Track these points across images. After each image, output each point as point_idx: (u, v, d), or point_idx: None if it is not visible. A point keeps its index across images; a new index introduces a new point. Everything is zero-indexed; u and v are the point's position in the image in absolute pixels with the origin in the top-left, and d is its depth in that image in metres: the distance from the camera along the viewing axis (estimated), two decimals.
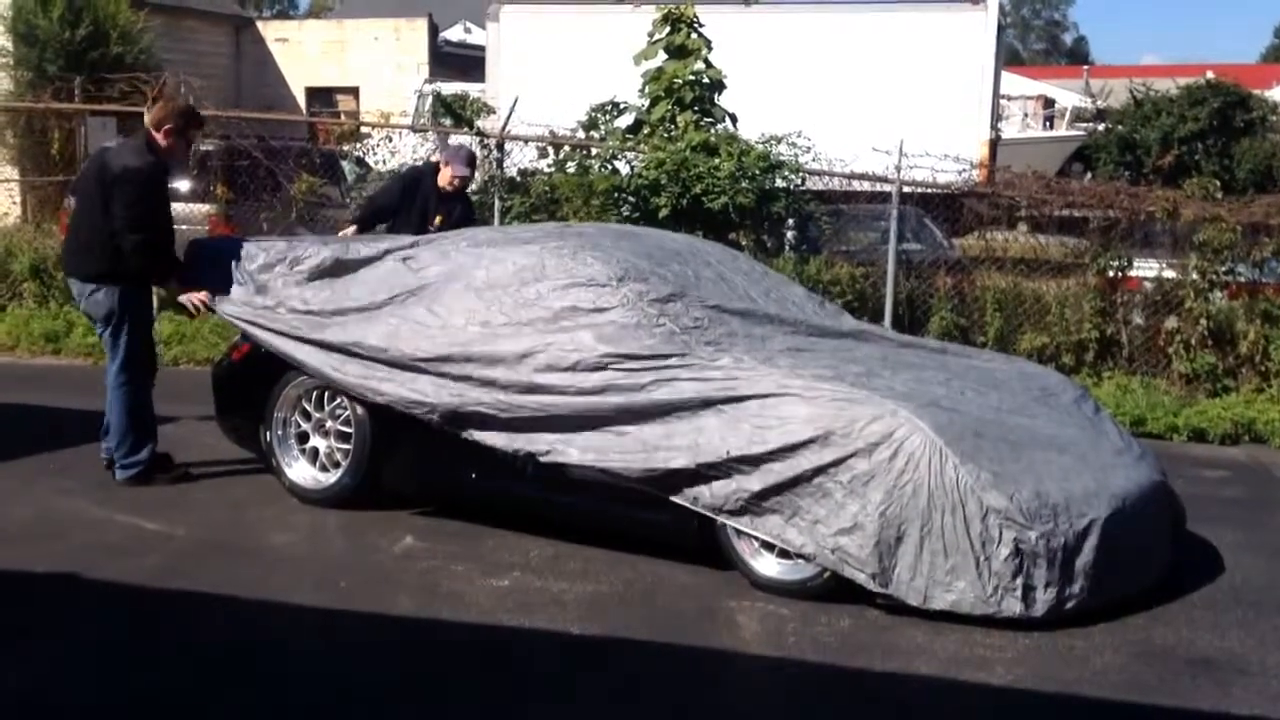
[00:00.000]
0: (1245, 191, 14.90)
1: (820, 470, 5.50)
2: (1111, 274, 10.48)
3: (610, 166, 11.48)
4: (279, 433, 6.99)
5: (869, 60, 17.54)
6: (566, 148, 11.83)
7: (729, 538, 5.80)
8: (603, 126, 12.06)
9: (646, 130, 11.78)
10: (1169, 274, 10.39)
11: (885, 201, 10.96)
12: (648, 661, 5.11)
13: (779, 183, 11.03)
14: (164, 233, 7.05)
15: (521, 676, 4.95)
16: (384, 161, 12.49)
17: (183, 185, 12.44)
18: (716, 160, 10.84)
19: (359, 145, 13.65)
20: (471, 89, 17.11)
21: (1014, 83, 27.94)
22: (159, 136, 6.98)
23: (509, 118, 11.75)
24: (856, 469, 5.45)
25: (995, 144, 18.33)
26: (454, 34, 28.89)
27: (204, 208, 12.21)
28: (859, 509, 5.43)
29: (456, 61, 26.60)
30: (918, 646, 5.22)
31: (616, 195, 10.96)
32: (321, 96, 26.74)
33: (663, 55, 12.10)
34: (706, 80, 11.96)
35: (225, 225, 11.82)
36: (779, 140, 11.24)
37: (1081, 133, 26.02)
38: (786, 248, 11.34)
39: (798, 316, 6.80)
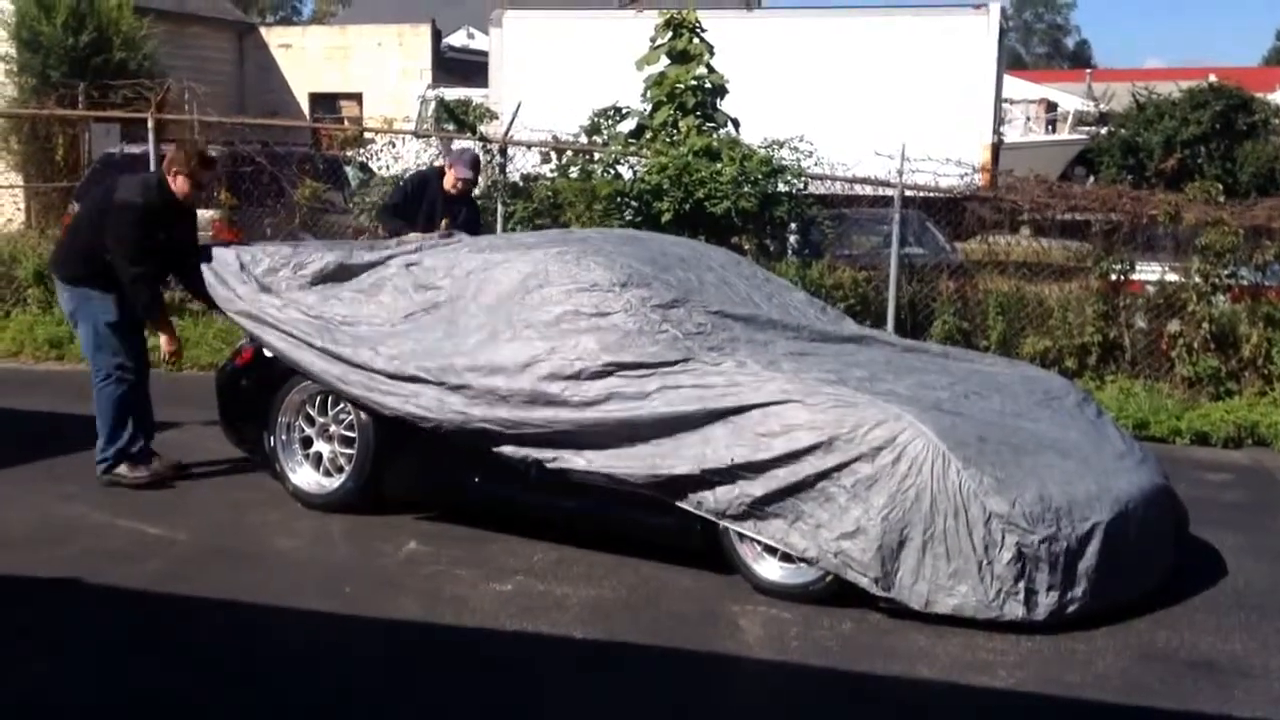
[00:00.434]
0: (1248, 195, 14.89)
1: (823, 475, 5.51)
2: (1114, 278, 10.47)
3: (613, 171, 11.49)
4: (283, 438, 7.00)
5: (871, 65, 17.56)
6: (569, 153, 11.85)
7: (732, 542, 5.80)
8: (605, 131, 12.08)
9: (649, 135, 11.79)
10: (1171, 277, 10.38)
11: (888, 206, 10.97)
12: (651, 666, 5.12)
13: (781, 187, 11.04)
14: (153, 267, 7.21)
15: (525, 681, 4.96)
16: (387, 167, 12.50)
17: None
18: (719, 165, 10.85)
19: (362, 151, 13.66)
20: (474, 94, 17.10)
21: (1016, 87, 27.93)
22: (171, 178, 7.08)
23: (512, 123, 11.77)
24: (860, 473, 5.46)
25: (998, 148, 18.33)
26: (457, 39, 28.97)
27: (208, 213, 12.20)
28: (862, 513, 5.44)
29: (460, 67, 26.65)
30: (920, 650, 5.22)
31: (619, 200, 10.98)
32: (325, 102, 26.79)
33: (665, 60, 12.12)
34: (709, 85, 11.97)
35: (229, 231, 11.84)
36: (781, 145, 11.24)
37: (1084, 136, 26.05)
38: (789, 252, 11.34)
39: (800, 321, 6.81)
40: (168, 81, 15.02)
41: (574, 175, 11.52)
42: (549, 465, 6.03)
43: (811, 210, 11.37)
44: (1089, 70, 42.50)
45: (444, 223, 8.63)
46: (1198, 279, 10.14)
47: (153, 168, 11.77)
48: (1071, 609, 5.39)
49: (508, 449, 6.13)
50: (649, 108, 12.02)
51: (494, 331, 6.36)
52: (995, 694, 4.87)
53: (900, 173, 10.64)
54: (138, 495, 7.12)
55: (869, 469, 5.44)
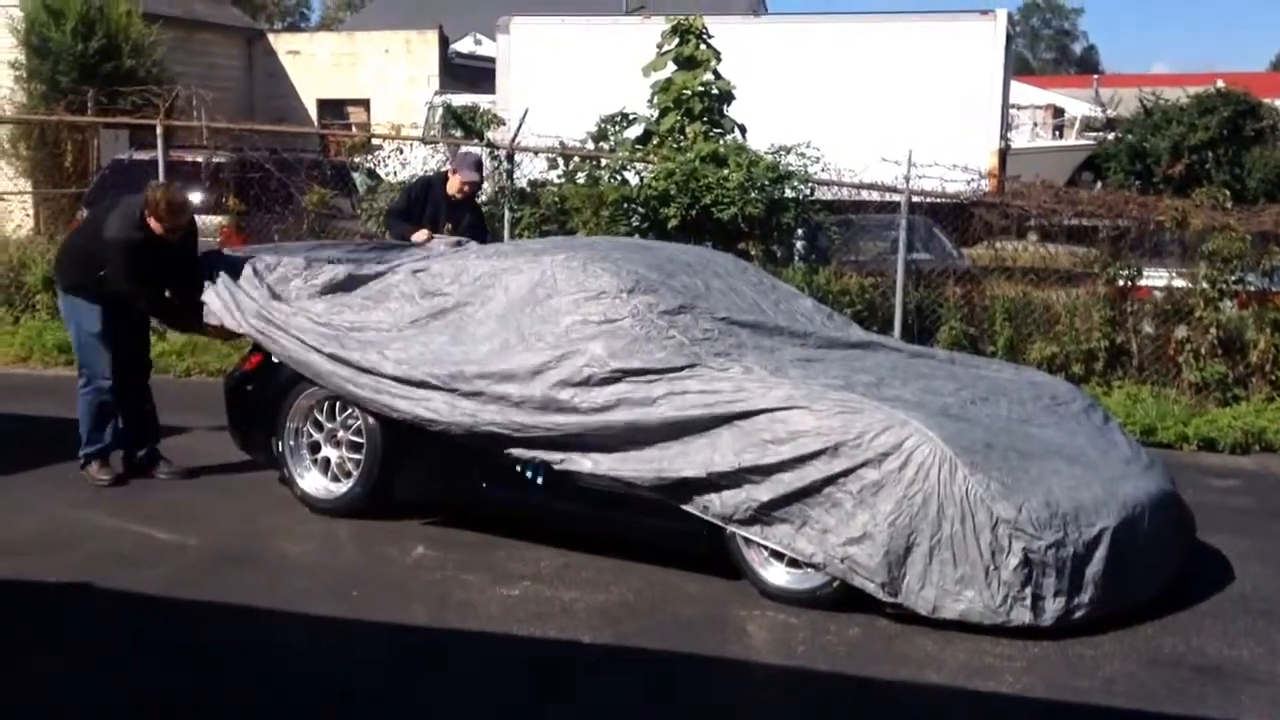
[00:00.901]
0: (1256, 200, 14.87)
1: (830, 480, 5.52)
2: (1121, 283, 10.47)
3: (620, 177, 11.50)
4: (291, 443, 7.02)
5: (878, 71, 17.56)
6: (576, 159, 11.86)
7: (738, 546, 5.81)
8: (612, 137, 12.09)
9: (656, 141, 11.81)
10: (1179, 283, 10.37)
11: (894, 211, 10.97)
12: (658, 670, 5.13)
13: (788, 193, 11.04)
14: (158, 288, 7.35)
15: (533, 686, 4.97)
16: (395, 173, 12.52)
17: (195, 197, 12.52)
18: (726, 171, 10.87)
19: (370, 157, 13.68)
20: (482, 100, 17.14)
21: (1023, 92, 27.93)
22: (149, 220, 7.11)
23: (519, 129, 11.79)
24: (866, 479, 5.47)
25: (1004, 153, 18.31)
26: (464, 46, 29.01)
27: (216, 219, 12.24)
28: (869, 519, 5.44)
29: (467, 73, 26.69)
30: (927, 655, 5.23)
31: (626, 206, 10.99)
32: (333, 108, 26.85)
33: (672, 66, 12.14)
34: (715, 91, 11.99)
35: (237, 236, 11.87)
36: (788, 151, 11.25)
37: (1091, 142, 26.03)
38: (796, 258, 11.34)
39: (807, 327, 6.81)
40: (176, 88, 15.07)
41: (581, 181, 11.54)
42: (557, 466, 6.06)
43: (818, 216, 11.37)
44: (1096, 76, 42.48)
45: (448, 228, 8.65)
46: (1205, 284, 10.14)
47: (162, 175, 11.85)
48: (1078, 614, 5.39)
49: (516, 451, 6.15)
50: (656, 114, 12.03)
51: (504, 340, 6.38)
52: (1002, 699, 4.88)
53: (907, 178, 10.64)
54: (147, 500, 7.15)
55: (876, 474, 5.45)
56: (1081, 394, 6.93)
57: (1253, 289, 10.23)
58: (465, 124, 12.97)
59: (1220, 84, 23.70)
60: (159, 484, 7.48)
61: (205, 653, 5.19)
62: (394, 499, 6.82)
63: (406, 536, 6.58)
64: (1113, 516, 5.57)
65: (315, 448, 6.99)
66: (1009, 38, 18.36)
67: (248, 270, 7.15)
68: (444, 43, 27.49)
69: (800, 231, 11.39)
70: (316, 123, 25.71)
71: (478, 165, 9.09)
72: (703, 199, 10.76)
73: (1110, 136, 24.64)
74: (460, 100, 16.19)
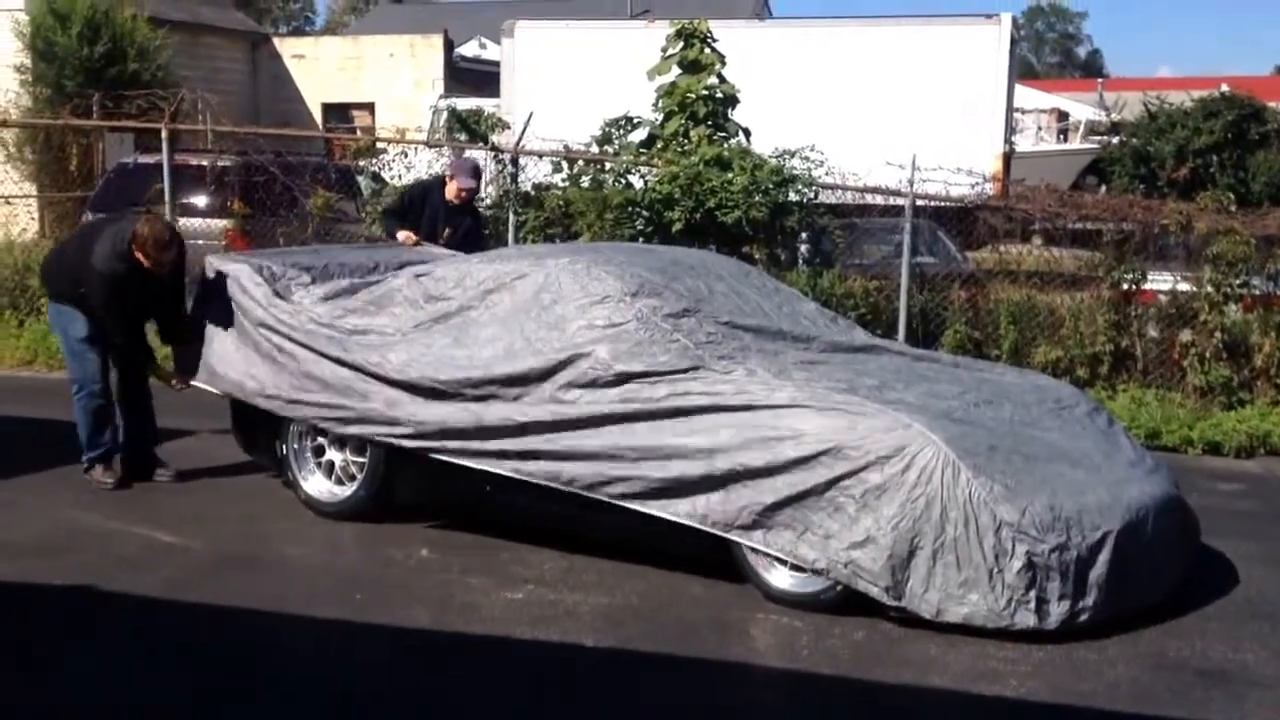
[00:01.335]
0: (1261, 204, 14.82)
1: (833, 483, 5.51)
2: (1126, 287, 10.46)
3: (624, 181, 11.51)
4: (295, 446, 7.02)
5: (882, 74, 17.56)
6: (581, 162, 11.87)
7: (742, 550, 5.80)
8: (616, 141, 12.10)
9: (660, 145, 11.82)
10: (1183, 287, 10.36)
11: (899, 215, 10.96)
12: (661, 674, 5.13)
13: (792, 196, 11.05)
14: (136, 325, 7.41)
15: (536, 689, 4.97)
16: (399, 177, 12.54)
17: (199, 201, 12.54)
18: (730, 174, 10.87)
19: (375, 161, 13.70)
20: (486, 104, 17.16)
21: (1028, 96, 27.90)
22: (136, 254, 7.10)
23: (523, 133, 11.80)
24: (869, 482, 5.46)
25: (1009, 157, 18.31)
26: (469, 50, 29.02)
27: (221, 223, 12.27)
28: (872, 523, 5.43)
29: (471, 77, 26.72)
30: (931, 659, 5.22)
31: (630, 209, 11.00)
32: (337, 112, 26.89)
33: (676, 70, 12.15)
34: (720, 95, 12.00)
35: (242, 240, 11.89)
36: (792, 154, 11.26)
37: (1096, 146, 25.99)
38: (800, 261, 11.34)
39: (810, 331, 6.81)
40: (181, 92, 15.07)
41: (585, 185, 11.55)
42: (562, 481, 6.05)
43: (822, 220, 11.38)
44: (1101, 80, 42.45)
45: (446, 233, 8.66)
46: (1210, 288, 10.12)
47: (167, 178, 11.86)
48: (1083, 618, 5.38)
49: (519, 461, 6.16)
50: (660, 117, 12.04)
51: (509, 345, 6.38)
52: (1006, 703, 4.88)
53: (911, 182, 10.64)
54: (151, 503, 7.16)
55: (879, 478, 5.44)
56: (1085, 397, 6.93)
57: (1258, 292, 10.21)
58: (470, 128, 12.99)
59: (1225, 88, 23.67)
60: (163, 487, 7.49)
61: (208, 655, 5.20)
62: (397, 502, 6.82)
63: (410, 539, 6.58)
64: (1117, 520, 5.55)
65: (319, 451, 7.00)
66: (1013, 41, 18.35)
67: (255, 272, 7.14)
68: (449, 47, 27.53)
69: (804, 235, 11.39)
70: (321, 126, 25.75)
71: (476, 171, 9.10)
72: (707, 203, 10.77)
73: (1115, 140, 24.60)
74: (465, 104, 16.22)
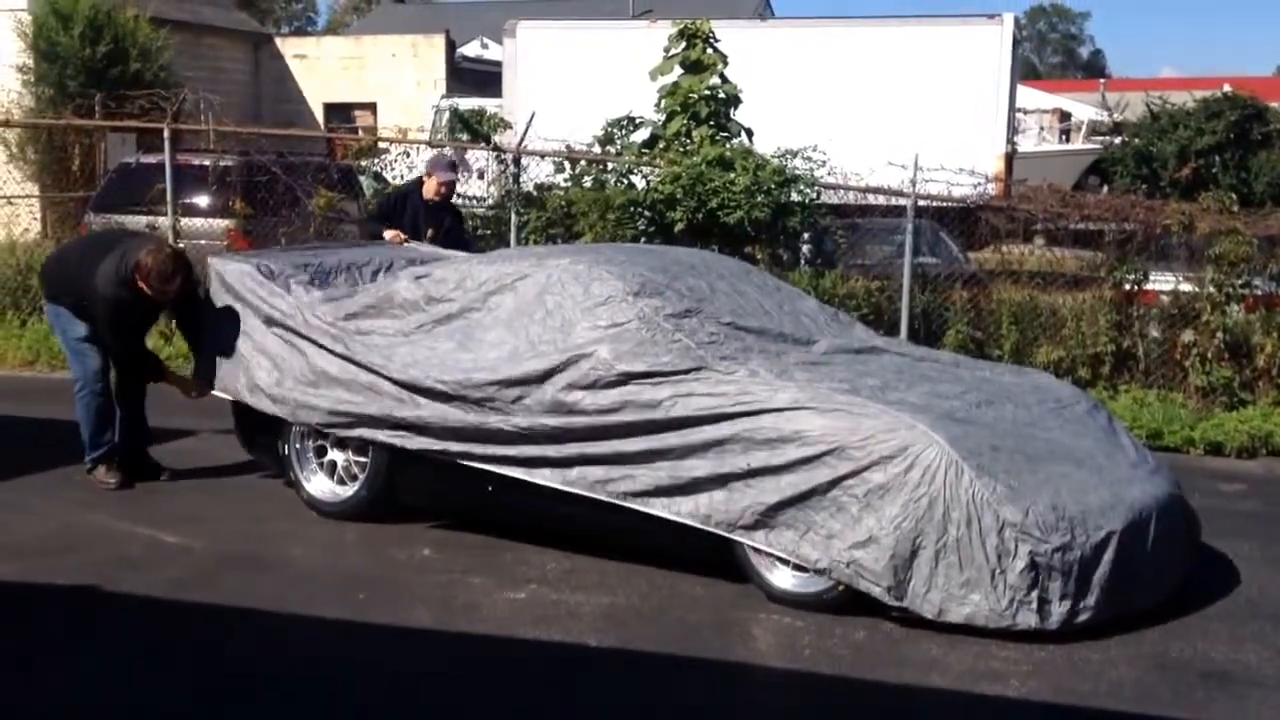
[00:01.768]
0: (1263, 204, 14.84)
1: (836, 483, 5.51)
2: (1128, 287, 10.45)
3: (626, 181, 11.52)
4: (297, 446, 7.03)
5: (885, 75, 17.57)
6: (583, 162, 11.87)
7: (744, 550, 5.81)
8: (619, 141, 12.10)
9: (662, 145, 11.82)
10: (1185, 287, 10.35)
11: (901, 215, 10.96)
12: (664, 674, 5.13)
13: (794, 197, 11.05)
14: (138, 340, 7.49)
15: (538, 689, 4.97)
16: (401, 177, 12.54)
17: (201, 201, 12.55)
18: (732, 174, 10.87)
19: (377, 161, 13.71)
20: (488, 104, 17.18)
21: (1030, 96, 27.92)
22: (139, 280, 7.10)
23: (525, 133, 11.80)
24: (872, 482, 5.46)
25: (1011, 157, 18.32)
26: (471, 50, 29.06)
27: (223, 223, 12.27)
28: (875, 522, 5.43)
29: (473, 77, 26.75)
30: (932, 659, 5.22)
31: (632, 210, 11.00)
32: (340, 112, 26.91)
33: (679, 70, 12.15)
34: (722, 95, 12.00)
35: (244, 240, 11.90)
36: (794, 154, 11.26)
37: (1098, 146, 26.01)
38: (802, 261, 11.35)
39: (812, 330, 6.81)
40: (183, 92, 15.09)
41: (588, 185, 11.55)
42: (567, 481, 6.06)
43: (825, 220, 11.39)
44: (1103, 80, 42.44)
45: (429, 233, 8.68)
46: (1211, 289, 10.11)
47: (169, 178, 11.87)
48: (1084, 618, 5.38)
49: (522, 467, 6.16)
50: (662, 118, 12.04)
51: (513, 347, 6.38)
52: (1008, 703, 4.88)
53: (913, 182, 10.64)
54: (154, 503, 7.16)
55: (882, 477, 5.44)
56: (1086, 397, 6.92)
57: (1260, 293, 10.21)
58: (472, 128, 13.00)
59: (1227, 88, 23.68)
60: (165, 487, 7.50)
61: (210, 655, 5.20)
62: (400, 502, 6.82)
63: (412, 539, 6.59)
64: (1119, 520, 5.55)
65: (321, 451, 7.00)
66: (1016, 42, 18.37)
67: (257, 271, 7.15)
68: (451, 47, 27.55)
69: (806, 235, 11.40)
70: (323, 126, 25.77)
71: (453, 165, 9.30)
72: (709, 203, 10.77)
73: (1117, 140, 24.61)
74: (467, 104, 16.24)
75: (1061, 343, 10.40)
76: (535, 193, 11.76)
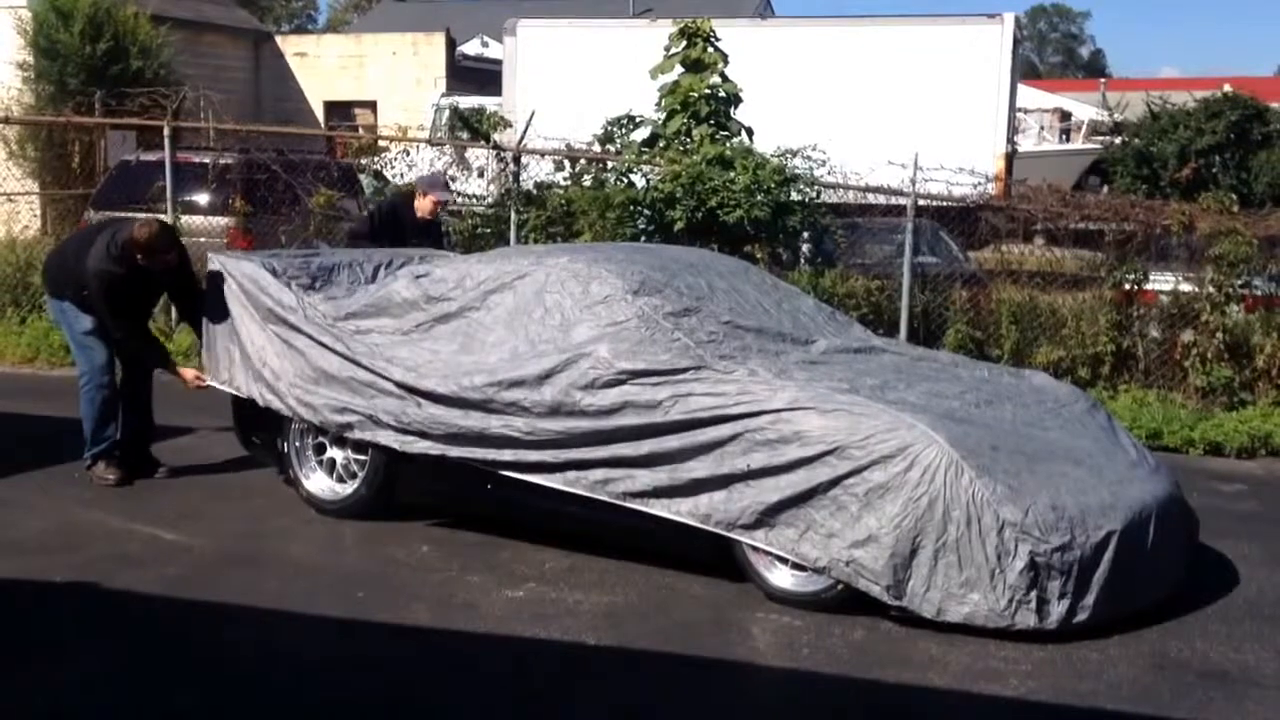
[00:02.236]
0: (1262, 205, 14.83)
1: (836, 483, 5.51)
2: (1128, 287, 10.45)
3: (626, 180, 11.51)
4: (296, 444, 7.03)
5: (885, 74, 17.58)
6: (582, 161, 11.87)
7: (743, 549, 5.81)
8: (619, 140, 12.09)
9: (662, 144, 11.81)
10: (1185, 287, 10.36)
11: (901, 215, 10.96)
12: (663, 673, 5.13)
13: (794, 196, 11.04)
14: (138, 323, 7.48)
15: (537, 688, 4.97)
16: (401, 175, 12.55)
17: (201, 198, 12.55)
18: (732, 174, 10.86)
19: (377, 159, 13.70)
20: (488, 103, 17.18)
21: (1030, 96, 27.93)
22: (135, 256, 7.14)
23: (525, 131, 11.80)
24: (872, 481, 5.46)
25: (1011, 157, 18.33)
26: (471, 48, 29.06)
27: (223, 221, 12.27)
28: (874, 522, 5.44)
29: (473, 75, 26.74)
30: (931, 658, 5.23)
31: (632, 208, 10.99)
32: (340, 110, 26.90)
33: (679, 69, 12.13)
34: (722, 94, 11.98)
35: (243, 238, 11.90)
36: (794, 154, 11.25)
37: (1098, 146, 26.00)
38: (802, 261, 11.34)
39: (811, 330, 6.81)
40: (184, 89, 15.09)
41: (587, 184, 11.55)
42: (566, 481, 6.06)
43: (825, 219, 11.38)
44: (1103, 80, 42.40)
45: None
46: (1211, 289, 10.12)
47: (169, 176, 11.88)
48: (1084, 618, 5.38)
49: (523, 467, 6.16)
50: (662, 116, 12.03)
51: (513, 347, 6.38)
52: (1007, 703, 4.88)
53: (913, 182, 10.64)
54: (153, 501, 7.17)
55: (882, 477, 5.44)
56: (1086, 397, 6.92)
57: (1259, 293, 10.21)
58: (472, 126, 12.99)
59: (1227, 88, 23.65)
60: (164, 484, 7.50)
61: (209, 653, 5.20)
62: (399, 500, 6.82)
63: (411, 538, 6.59)
64: (1119, 520, 5.55)
65: (320, 449, 7.00)
66: (1016, 41, 18.38)
67: (262, 270, 7.15)
68: (451, 45, 27.54)
69: (806, 235, 11.39)
70: (323, 124, 25.76)
71: (447, 184, 9.15)
72: (709, 202, 10.77)
73: (1117, 140, 24.58)
74: (467, 102, 16.24)
75: (1061, 343, 10.40)
76: (535, 191, 11.76)
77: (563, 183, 11.77)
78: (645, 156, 11.67)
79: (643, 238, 10.81)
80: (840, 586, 5.56)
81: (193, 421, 8.44)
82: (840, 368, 6.33)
